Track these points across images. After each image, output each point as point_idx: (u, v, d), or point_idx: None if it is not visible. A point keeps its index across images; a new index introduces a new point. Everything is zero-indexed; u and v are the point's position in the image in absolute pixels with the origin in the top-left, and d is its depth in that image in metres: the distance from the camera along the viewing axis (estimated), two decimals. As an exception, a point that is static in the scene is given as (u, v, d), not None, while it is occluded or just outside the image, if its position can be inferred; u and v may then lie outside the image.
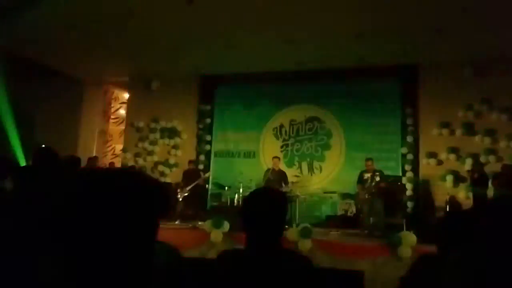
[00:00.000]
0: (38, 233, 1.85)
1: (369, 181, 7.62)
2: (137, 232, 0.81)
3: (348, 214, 8.96)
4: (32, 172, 2.67)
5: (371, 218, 7.53)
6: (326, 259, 6.23)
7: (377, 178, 7.51)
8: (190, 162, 9.75)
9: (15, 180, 2.54)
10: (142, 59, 10.00)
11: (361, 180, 7.81)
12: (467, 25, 7.39)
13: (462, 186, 8.86)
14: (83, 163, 7.28)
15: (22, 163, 9.31)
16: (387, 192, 7.90)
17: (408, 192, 9.27)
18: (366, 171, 7.79)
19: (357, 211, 8.53)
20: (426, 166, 9.31)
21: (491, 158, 8.71)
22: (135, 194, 0.83)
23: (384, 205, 7.56)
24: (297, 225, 7.19)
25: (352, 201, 8.86)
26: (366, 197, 7.59)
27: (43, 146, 3.19)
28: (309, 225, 6.96)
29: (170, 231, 6.69)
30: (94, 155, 10.87)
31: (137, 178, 0.87)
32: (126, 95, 12.52)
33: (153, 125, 11.34)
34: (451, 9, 6.83)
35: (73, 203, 0.80)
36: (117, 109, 13.05)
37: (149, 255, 0.85)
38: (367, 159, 7.92)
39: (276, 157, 8.97)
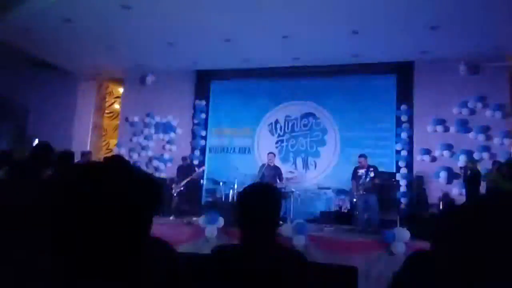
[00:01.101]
0: (31, 225, 1.84)
1: (363, 177, 7.65)
2: (130, 227, 0.81)
3: (342, 210, 9.01)
4: (27, 165, 2.66)
5: (365, 214, 7.56)
6: (320, 254, 6.26)
7: (371, 174, 7.54)
8: (183, 158, 9.71)
9: (10, 172, 2.53)
10: (137, 53, 9.95)
11: (355, 176, 7.83)
12: (462, 23, 7.41)
13: (456, 182, 8.93)
14: (77, 158, 7.24)
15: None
16: (381, 188, 7.94)
17: (402, 189, 9.32)
18: (360, 167, 7.81)
19: (351, 207, 8.57)
20: (420, 163, 9.36)
21: (485, 155, 8.77)
22: (128, 188, 0.83)
23: (378, 201, 7.59)
24: (292, 221, 7.21)
25: (346, 197, 8.90)
26: (361, 193, 7.62)
27: (40, 141, 3.17)
28: (303, 221, 6.99)
29: (164, 227, 6.69)
30: (88, 149, 10.82)
31: (130, 173, 0.87)
32: (120, 90, 12.46)
33: (147, 119, 11.30)
34: (446, 6, 6.85)
35: (66, 196, 0.80)
36: (112, 104, 12.98)
37: (143, 250, 0.84)
38: (361, 156, 7.94)
39: (271, 152, 8.98)
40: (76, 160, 5.70)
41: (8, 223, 2.04)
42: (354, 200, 7.92)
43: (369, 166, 7.71)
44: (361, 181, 7.65)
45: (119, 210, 0.80)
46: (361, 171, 7.72)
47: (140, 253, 0.83)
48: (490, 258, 0.95)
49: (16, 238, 1.92)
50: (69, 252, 0.77)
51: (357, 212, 7.77)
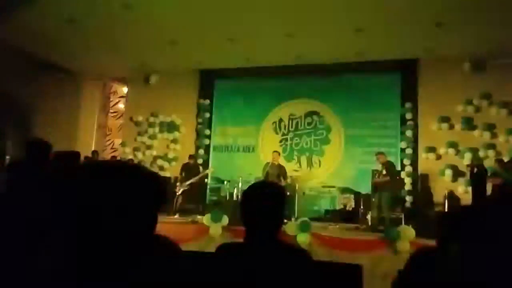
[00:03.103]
0: (32, 225, 1.85)
1: (376, 174, 7.62)
2: (135, 224, 0.81)
3: (347, 208, 8.98)
4: (26, 166, 2.65)
5: (377, 212, 7.47)
6: (324, 253, 6.25)
7: (384, 172, 7.48)
8: (190, 156, 9.71)
9: (8, 173, 2.52)
10: (141, 53, 9.97)
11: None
12: (467, 20, 7.36)
13: (461, 180, 8.89)
14: (82, 157, 7.27)
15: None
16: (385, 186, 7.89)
17: (407, 187, 9.29)
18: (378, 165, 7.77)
19: (356, 205, 8.55)
20: (425, 161, 9.33)
21: (490, 152, 8.72)
22: (133, 186, 0.83)
23: (383, 199, 7.54)
24: (296, 219, 7.20)
25: (351, 196, 8.88)
26: (373, 190, 7.57)
27: (34, 138, 3.12)
28: (308, 219, 6.98)
29: (169, 225, 6.70)
30: (93, 149, 10.87)
31: (135, 171, 0.87)
32: (125, 89, 12.50)
33: (152, 119, 11.33)
34: (450, 3, 6.81)
35: (72, 195, 0.80)
36: (116, 103, 13.02)
37: (148, 247, 0.85)
38: (377, 153, 7.88)
39: (275, 151, 8.97)
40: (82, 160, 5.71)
41: (8, 222, 2.05)
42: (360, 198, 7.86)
43: (385, 163, 7.62)
44: (374, 178, 7.62)
45: (123, 208, 0.80)
46: (376, 169, 7.69)
47: (145, 251, 0.83)
48: (494, 257, 0.94)
49: (16, 238, 1.93)
50: (72, 252, 0.78)
51: (369, 210, 7.68)
